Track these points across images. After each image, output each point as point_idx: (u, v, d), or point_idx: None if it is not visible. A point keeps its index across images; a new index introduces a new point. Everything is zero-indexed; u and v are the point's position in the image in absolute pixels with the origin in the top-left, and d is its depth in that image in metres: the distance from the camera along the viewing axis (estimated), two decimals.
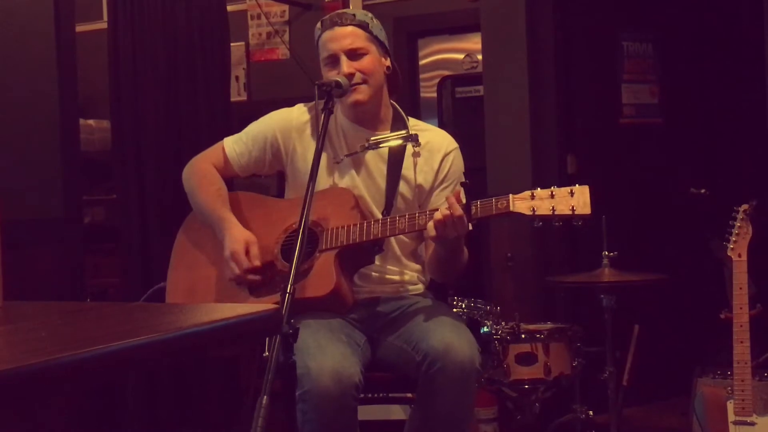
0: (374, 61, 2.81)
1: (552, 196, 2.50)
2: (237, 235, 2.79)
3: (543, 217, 2.50)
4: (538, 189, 2.52)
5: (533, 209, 2.50)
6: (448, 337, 2.53)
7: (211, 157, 2.99)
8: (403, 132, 2.82)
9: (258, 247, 2.78)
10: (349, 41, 2.78)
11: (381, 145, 2.81)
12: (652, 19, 4.93)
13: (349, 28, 2.79)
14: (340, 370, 2.45)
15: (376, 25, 2.85)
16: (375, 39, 2.83)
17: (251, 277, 2.76)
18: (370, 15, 2.87)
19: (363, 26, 2.81)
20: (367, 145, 2.79)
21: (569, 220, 2.50)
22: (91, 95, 5.65)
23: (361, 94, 2.78)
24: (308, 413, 2.43)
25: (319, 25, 2.87)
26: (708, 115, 5.00)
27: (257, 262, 2.76)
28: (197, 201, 2.94)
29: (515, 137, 4.48)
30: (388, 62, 2.88)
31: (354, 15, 2.83)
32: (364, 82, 2.78)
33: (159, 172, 4.47)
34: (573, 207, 2.48)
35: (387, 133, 2.84)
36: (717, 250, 3.30)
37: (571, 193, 2.49)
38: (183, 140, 4.48)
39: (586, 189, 2.50)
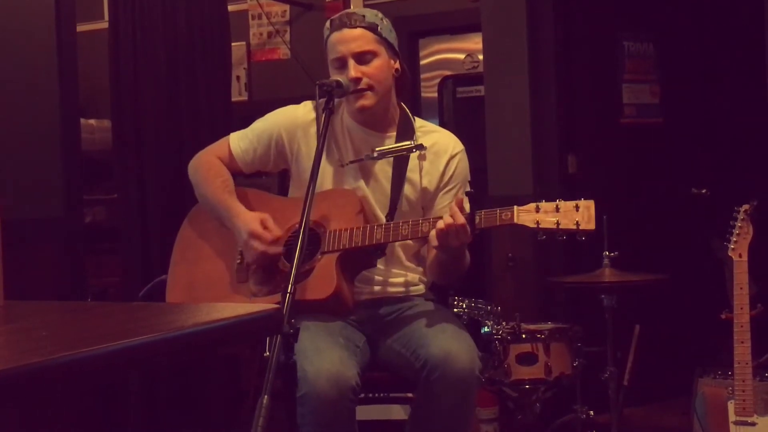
0: (382, 65, 2.77)
1: (557, 209, 2.49)
2: (248, 217, 2.79)
3: (547, 231, 2.49)
4: (543, 201, 2.51)
5: (537, 222, 2.49)
6: (448, 344, 2.52)
7: (216, 151, 2.98)
8: (408, 143, 2.77)
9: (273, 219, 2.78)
10: (358, 44, 2.74)
11: (387, 156, 2.77)
12: (653, 19, 4.93)
13: (358, 31, 2.75)
14: (336, 374, 2.44)
15: (385, 27, 2.81)
16: (384, 41, 2.79)
17: (274, 249, 2.74)
18: (380, 15, 2.82)
19: (372, 28, 2.76)
20: (373, 155, 2.76)
21: (573, 235, 2.49)
22: (92, 95, 5.65)
23: (368, 100, 2.76)
24: (306, 417, 2.44)
25: (327, 24, 2.83)
26: (709, 114, 4.99)
27: (278, 232, 2.75)
28: (204, 192, 2.94)
29: (516, 137, 4.47)
30: (397, 64, 2.84)
31: (364, 16, 2.78)
32: (370, 88, 2.75)
33: (159, 172, 4.47)
34: (578, 222, 2.47)
35: (393, 145, 2.80)
36: (718, 250, 3.30)
37: (577, 208, 2.48)
38: (184, 140, 4.47)
39: (591, 204, 2.49)
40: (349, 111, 2.84)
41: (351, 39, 2.75)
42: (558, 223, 2.48)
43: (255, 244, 2.74)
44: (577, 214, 2.47)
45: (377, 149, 2.76)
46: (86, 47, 5.03)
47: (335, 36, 2.77)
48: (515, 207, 2.51)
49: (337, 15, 2.83)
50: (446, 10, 5.73)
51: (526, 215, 2.50)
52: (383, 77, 2.78)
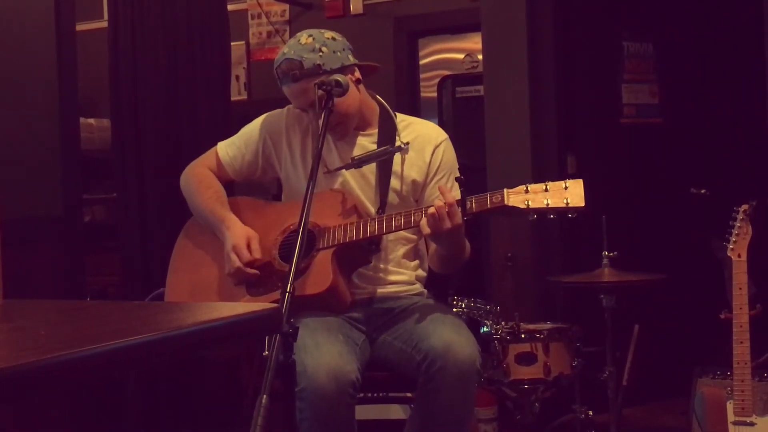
0: (341, 99, 2.70)
1: (546, 189, 2.51)
2: (238, 231, 2.80)
3: (537, 210, 2.51)
4: (533, 183, 2.53)
5: (527, 202, 2.51)
6: (449, 336, 2.53)
7: (205, 162, 3.00)
8: (386, 147, 2.79)
9: (259, 242, 2.79)
10: (306, 97, 2.71)
11: (365, 163, 2.78)
12: (653, 19, 4.93)
13: (302, 83, 2.70)
14: (336, 368, 2.45)
15: (328, 55, 2.72)
16: (333, 72, 2.71)
17: (251, 270, 2.76)
18: (317, 45, 2.72)
19: (315, 71, 2.69)
20: (351, 163, 2.77)
21: (563, 212, 2.51)
22: (92, 94, 5.65)
23: (342, 130, 2.81)
24: (305, 411, 2.44)
25: (274, 70, 2.78)
26: (708, 115, 5.00)
27: (258, 255, 2.77)
28: (196, 205, 2.95)
29: (515, 137, 4.48)
30: (356, 74, 2.80)
31: (301, 61, 2.69)
32: (339, 123, 2.76)
33: (159, 171, 4.47)
34: (567, 199, 2.49)
35: (371, 151, 2.81)
36: (717, 250, 3.30)
37: (565, 187, 2.50)
38: (183, 139, 4.48)
39: (579, 182, 2.51)
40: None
41: (299, 94, 2.73)
42: (548, 203, 2.49)
43: (233, 258, 2.76)
44: (566, 193, 2.49)
45: (356, 156, 2.78)
46: (86, 46, 5.03)
47: (285, 89, 2.78)
48: (505, 189, 2.53)
49: (278, 61, 2.75)
50: (446, 9, 5.73)
51: (516, 197, 2.52)
52: (345, 106, 2.75)
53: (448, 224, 2.51)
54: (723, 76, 5.00)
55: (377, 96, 2.94)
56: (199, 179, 2.96)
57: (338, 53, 2.76)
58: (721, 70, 5.01)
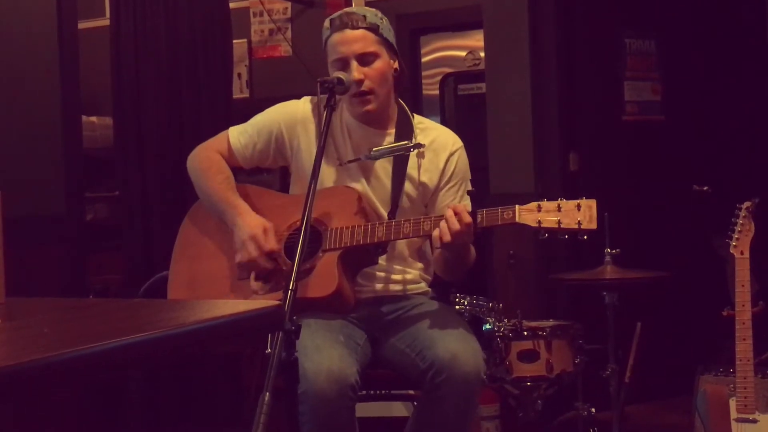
0: (383, 66, 2.76)
1: (559, 209, 2.49)
2: (252, 221, 2.76)
3: (548, 230, 2.50)
4: (545, 201, 2.51)
5: (539, 222, 2.49)
6: (454, 346, 2.53)
7: (215, 146, 2.95)
8: (405, 142, 2.77)
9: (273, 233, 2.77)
10: (360, 45, 2.72)
11: (384, 156, 2.75)
12: (655, 16, 4.92)
13: (360, 32, 2.73)
14: (336, 372, 2.45)
15: (385, 27, 2.79)
16: (385, 41, 2.77)
17: (266, 262, 2.73)
18: (379, 15, 2.80)
19: (373, 29, 2.74)
20: (368, 155, 2.75)
21: (575, 234, 2.49)
22: (94, 92, 5.64)
23: (371, 104, 2.76)
24: (305, 414, 2.45)
25: (327, 24, 2.79)
26: (710, 112, 4.99)
27: (275, 247, 2.74)
28: (205, 189, 2.90)
29: (518, 135, 4.47)
30: (396, 64, 2.83)
31: (365, 16, 2.75)
32: (371, 91, 2.74)
33: (161, 169, 4.47)
34: (579, 221, 2.47)
35: (389, 144, 2.79)
36: (719, 247, 3.29)
37: (578, 207, 2.48)
38: (185, 137, 4.48)
39: (593, 203, 2.49)
40: (351, 112, 2.82)
41: (353, 40, 2.72)
42: (560, 223, 2.48)
43: (251, 248, 2.72)
44: (578, 214, 2.47)
45: (374, 150, 2.75)
46: (88, 44, 5.03)
47: (336, 37, 2.75)
48: (517, 206, 2.51)
49: (337, 14, 2.79)
50: (447, 7, 5.72)
51: (527, 214, 2.50)
52: (384, 79, 2.77)
53: (459, 240, 2.51)
54: (725, 73, 4.99)
55: (399, 99, 2.93)
56: (209, 163, 2.91)
57: (392, 32, 2.82)
58: (723, 67, 5.00)
